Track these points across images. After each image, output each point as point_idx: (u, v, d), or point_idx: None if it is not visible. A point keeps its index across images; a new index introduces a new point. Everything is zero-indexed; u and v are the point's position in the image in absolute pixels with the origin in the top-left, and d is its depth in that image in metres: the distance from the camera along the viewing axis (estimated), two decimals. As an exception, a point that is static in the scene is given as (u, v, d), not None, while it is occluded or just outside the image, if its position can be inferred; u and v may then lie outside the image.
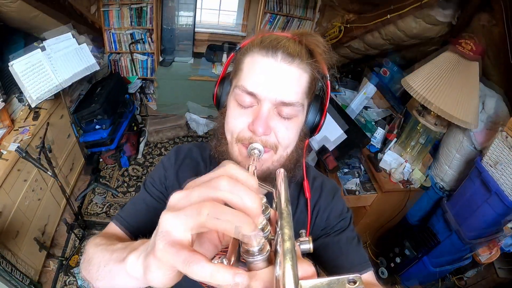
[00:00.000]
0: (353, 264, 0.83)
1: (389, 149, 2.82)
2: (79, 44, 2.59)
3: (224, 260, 0.35)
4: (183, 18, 4.24)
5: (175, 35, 4.25)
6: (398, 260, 2.66)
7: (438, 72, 2.30)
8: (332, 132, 2.84)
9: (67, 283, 2.49)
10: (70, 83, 2.49)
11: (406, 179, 2.68)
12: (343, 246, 0.86)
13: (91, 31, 3.46)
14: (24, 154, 1.94)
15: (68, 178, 2.94)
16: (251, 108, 0.72)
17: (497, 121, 2.26)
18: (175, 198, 0.40)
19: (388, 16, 2.73)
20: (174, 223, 0.36)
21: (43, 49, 2.29)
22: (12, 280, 1.92)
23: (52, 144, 2.42)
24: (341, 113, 2.89)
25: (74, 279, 2.49)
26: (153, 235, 0.41)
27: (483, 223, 2.12)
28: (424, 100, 2.30)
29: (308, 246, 0.43)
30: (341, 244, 0.86)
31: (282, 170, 0.54)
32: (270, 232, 0.39)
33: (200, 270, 0.33)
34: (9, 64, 2.04)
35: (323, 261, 0.87)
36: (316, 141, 2.92)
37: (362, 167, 2.98)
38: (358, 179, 2.83)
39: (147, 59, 4.08)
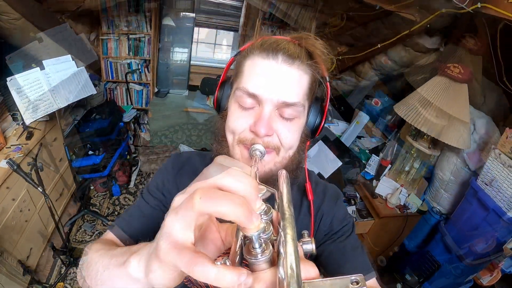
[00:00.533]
0: (356, 270, 0.80)
1: (384, 175, 2.83)
2: (77, 67, 2.61)
3: (227, 261, 0.35)
4: (179, 54, 4.37)
5: (171, 70, 4.36)
6: (399, 286, 2.58)
7: (430, 94, 2.37)
8: (327, 159, 2.85)
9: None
10: (66, 104, 2.49)
11: (402, 204, 2.68)
12: (348, 253, 0.84)
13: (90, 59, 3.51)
14: (15, 167, 1.89)
15: (58, 203, 2.85)
16: (252, 110, 0.72)
17: (488, 141, 2.32)
18: (177, 199, 0.41)
19: (379, 46, 2.84)
20: (175, 223, 0.36)
21: (42, 68, 2.31)
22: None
23: (43, 165, 2.36)
24: (335, 142, 2.94)
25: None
26: (156, 237, 0.40)
27: (483, 242, 2.09)
28: (418, 122, 2.35)
29: (311, 246, 0.43)
30: (346, 251, 0.85)
31: (284, 171, 0.55)
32: (273, 233, 0.39)
33: (204, 272, 0.33)
34: (7, 79, 2.05)
35: (327, 267, 0.85)
36: (311, 168, 2.92)
37: (357, 194, 2.96)
38: (354, 206, 2.81)
39: (142, 90, 4.14)
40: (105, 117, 3.28)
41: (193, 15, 4.13)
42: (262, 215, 0.39)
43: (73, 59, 2.58)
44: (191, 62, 4.42)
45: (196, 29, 4.26)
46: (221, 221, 0.41)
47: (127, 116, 3.88)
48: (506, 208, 1.97)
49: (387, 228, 2.73)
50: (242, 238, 0.40)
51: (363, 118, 3.46)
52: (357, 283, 0.31)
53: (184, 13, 4.13)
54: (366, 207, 2.85)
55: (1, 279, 1.99)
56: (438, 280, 2.41)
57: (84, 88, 2.67)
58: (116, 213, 3.30)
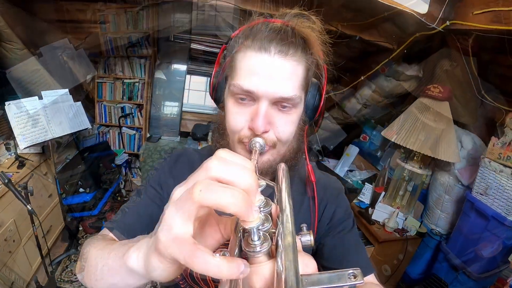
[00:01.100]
0: (358, 266, 0.79)
1: (379, 202, 2.83)
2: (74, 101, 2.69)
3: (226, 253, 0.36)
4: (169, 108, 4.52)
5: (162, 121, 4.47)
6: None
7: (415, 115, 2.48)
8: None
9: None
10: (61, 135, 2.51)
11: (401, 227, 2.64)
12: (352, 248, 0.85)
13: (85, 99, 3.59)
14: (6, 181, 1.84)
15: (45, 240, 2.70)
16: (248, 105, 0.71)
17: (476, 156, 2.39)
18: (176, 191, 0.41)
19: (362, 78, 3.02)
20: (174, 216, 0.36)
21: (40, 97, 2.36)
22: None
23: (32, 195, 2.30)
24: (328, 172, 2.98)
25: None
26: (155, 229, 0.41)
27: (487, 251, 2.05)
28: (407, 142, 2.42)
29: (309, 239, 0.44)
30: (350, 245, 0.85)
31: (283, 164, 0.57)
32: (272, 226, 0.40)
33: (203, 264, 0.33)
34: (6, 103, 2.08)
35: (329, 260, 0.84)
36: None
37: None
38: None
39: (135, 134, 4.18)
40: (98, 156, 3.28)
41: (184, 67, 4.35)
42: (261, 208, 0.40)
43: (70, 93, 2.66)
44: (183, 108, 4.54)
45: (188, 76, 4.45)
46: (219, 213, 0.41)
47: (119, 159, 3.87)
48: (505, 213, 1.98)
49: (388, 254, 2.65)
50: (241, 230, 0.40)
51: (352, 150, 3.55)
52: (355, 276, 0.32)
53: (176, 65, 4.34)
54: (364, 235, 2.79)
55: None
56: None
57: (79, 121, 2.72)
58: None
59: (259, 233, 0.37)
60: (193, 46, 4.02)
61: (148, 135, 4.32)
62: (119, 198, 3.59)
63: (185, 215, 0.35)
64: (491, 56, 2.23)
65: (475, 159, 2.39)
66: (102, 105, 3.92)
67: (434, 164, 2.71)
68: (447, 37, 2.25)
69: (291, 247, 0.33)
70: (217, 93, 0.81)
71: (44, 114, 2.38)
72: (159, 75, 4.31)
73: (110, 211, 3.37)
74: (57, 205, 2.85)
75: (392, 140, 2.56)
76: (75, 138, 3.36)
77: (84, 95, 3.45)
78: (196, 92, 4.67)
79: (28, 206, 1.93)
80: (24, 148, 2.24)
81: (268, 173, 0.77)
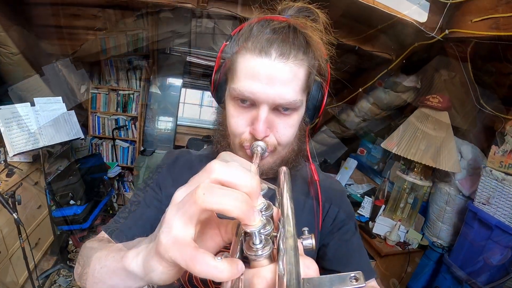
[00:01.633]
0: (361, 269, 0.77)
1: (380, 215, 2.78)
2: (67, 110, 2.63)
3: (227, 257, 0.36)
4: (163, 123, 4.49)
5: (156, 137, 4.43)
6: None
7: (415, 125, 2.47)
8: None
9: None
10: (52, 143, 2.44)
11: (402, 240, 2.58)
12: (355, 252, 0.84)
13: (78, 110, 3.53)
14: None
15: (33, 252, 2.59)
16: (249, 108, 0.70)
17: (476, 166, 2.37)
18: (178, 194, 0.40)
19: (360, 90, 3.01)
20: (176, 218, 0.36)
21: (32, 104, 2.30)
22: None
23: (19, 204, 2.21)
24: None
25: None
26: (155, 231, 0.41)
27: (492, 261, 2.00)
28: (407, 153, 2.40)
29: (311, 242, 0.43)
30: (352, 249, 0.84)
31: (284, 168, 0.56)
32: (273, 229, 0.40)
33: (205, 268, 0.33)
34: (-4, 108, 2.02)
35: (331, 262, 0.83)
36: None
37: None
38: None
39: (128, 147, 4.11)
40: (90, 168, 3.19)
41: (180, 81, 4.34)
42: (263, 212, 0.40)
43: (63, 101, 2.60)
44: (178, 122, 4.50)
45: (183, 90, 4.44)
46: (220, 216, 0.41)
47: (112, 172, 3.78)
48: (509, 221, 1.95)
49: (391, 267, 2.58)
50: (242, 234, 0.40)
51: (351, 163, 3.51)
52: (356, 280, 0.31)
53: (171, 78, 4.33)
54: (366, 250, 2.73)
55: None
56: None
57: (72, 130, 2.66)
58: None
59: (261, 236, 0.37)
60: (190, 59, 4.02)
61: (142, 148, 4.26)
62: (110, 212, 3.49)
63: (187, 218, 0.35)
64: (489, 65, 2.24)
65: (475, 169, 2.37)
66: (96, 116, 3.86)
67: (434, 175, 2.69)
68: (445, 46, 2.25)
69: (292, 251, 0.33)
70: (217, 93, 0.80)
71: (36, 122, 2.32)
72: (154, 89, 4.30)
73: (101, 225, 3.26)
74: (46, 217, 2.74)
75: (393, 151, 2.54)
76: (67, 149, 3.29)
77: (77, 105, 3.39)
78: (191, 105, 4.65)
79: (14, 214, 1.85)
80: (14, 156, 2.16)
81: (269, 175, 0.76)
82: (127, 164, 4.19)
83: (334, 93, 3.55)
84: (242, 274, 0.34)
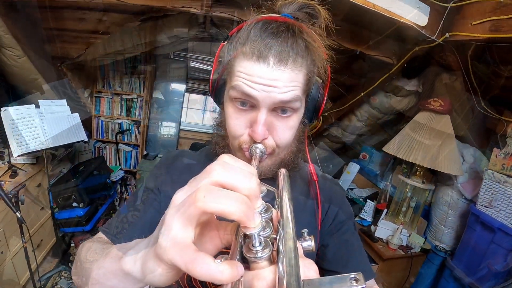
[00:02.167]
0: (360, 269, 0.77)
1: (382, 219, 2.77)
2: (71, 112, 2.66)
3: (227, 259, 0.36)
4: (167, 128, 4.51)
5: (159, 142, 4.45)
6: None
7: (417, 128, 2.47)
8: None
9: None
10: (56, 145, 2.46)
11: (405, 244, 2.57)
12: (355, 252, 0.84)
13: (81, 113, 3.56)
14: (-4, 185, 1.78)
15: (35, 254, 2.59)
16: (248, 110, 0.70)
17: (478, 169, 2.37)
18: (178, 196, 0.41)
19: (362, 94, 3.02)
20: (176, 220, 0.36)
21: (37, 106, 2.33)
22: None
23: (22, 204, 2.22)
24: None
25: None
26: (154, 233, 0.41)
27: (495, 264, 1.98)
28: (409, 156, 2.40)
29: (310, 244, 0.44)
30: (352, 249, 0.85)
31: (283, 170, 0.56)
32: (273, 231, 0.40)
33: (205, 270, 0.33)
34: (2, 109, 2.05)
35: (331, 262, 0.83)
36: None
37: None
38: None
39: (131, 151, 4.13)
40: (93, 171, 3.21)
41: (183, 86, 4.37)
42: (262, 214, 0.40)
43: (67, 104, 2.63)
44: (181, 126, 4.53)
45: (186, 94, 4.47)
46: (219, 218, 0.41)
47: (115, 176, 3.79)
48: (511, 223, 1.93)
49: (393, 272, 2.57)
50: (242, 236, 0.40)
51: (353, 167, 3.51)
52: (356, 281, 0.31)
53: (174, 84, 4.36)
54: (367, 253, 2.71)
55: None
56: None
57: (76, 133, 2.68)
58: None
59: (260, 238, 0.37)
60: (192, 64, 4.05)
61: (145, 152, 4.28)
62: (113, 215, 3.48)
63: (187, 220, 0.35)
64: (489, 67, 2.25)
65: (477, 172, 2.37)
66: (100, 120, 3.89)
67: (436, 179, 2.68)
68: (446, 50, 2.26)
69: (292, 252, 0.34)
70: (216, 94, 0.80)
71: (40, 123, 2.34)
72: (158, 94, 4.33)
73: (103, 228, 3.27)
74: (49, 218, 2.76)
75: (394, 154, 2.54)
76: (71, 152, 3.31)
77: (81, 109, 3.42)
78: (194, 110, 4.67)
79: (17, 213, 1.86)
80: (18, 156, 2.18)
81: (268, 177, 0.76)
82: (130, 168, 4.21)
83: (335, 97, 3.57)
84: (242, 277, 0.34)
